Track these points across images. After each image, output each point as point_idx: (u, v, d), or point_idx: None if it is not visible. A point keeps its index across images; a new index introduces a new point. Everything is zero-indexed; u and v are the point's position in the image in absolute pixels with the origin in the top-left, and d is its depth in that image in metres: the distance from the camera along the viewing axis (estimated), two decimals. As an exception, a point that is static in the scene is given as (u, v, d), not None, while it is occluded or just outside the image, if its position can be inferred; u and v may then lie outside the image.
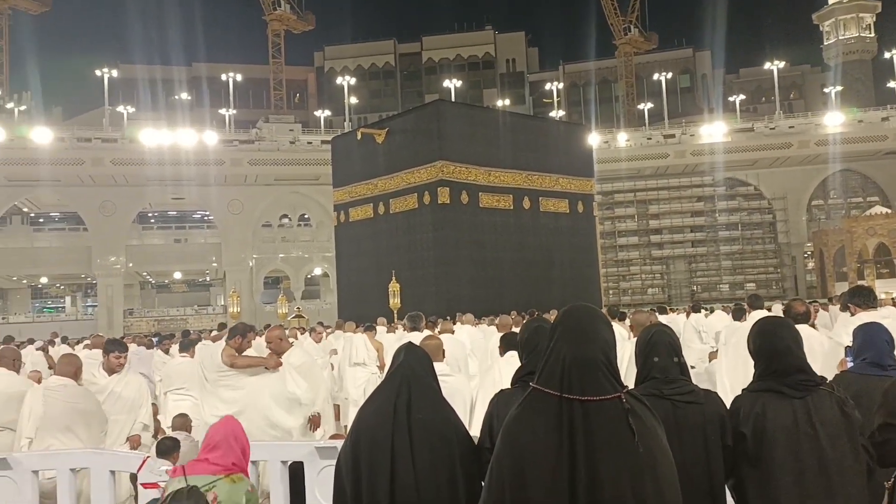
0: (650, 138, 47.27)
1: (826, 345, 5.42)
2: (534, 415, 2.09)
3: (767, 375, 2.76)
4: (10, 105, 45.05)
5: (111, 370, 5.94)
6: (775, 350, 2.77)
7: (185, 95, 51.94)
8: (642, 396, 2.20)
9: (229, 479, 3.06)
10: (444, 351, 5.19)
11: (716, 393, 2.84)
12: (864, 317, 4.78)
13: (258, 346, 7.47)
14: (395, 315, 21.51)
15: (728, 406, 2.80)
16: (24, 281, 49.58)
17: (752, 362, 2.90)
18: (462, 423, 2.96)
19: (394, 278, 23.50)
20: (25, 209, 46.65)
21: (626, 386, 2.15)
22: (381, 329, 12.48)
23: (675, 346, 2.83)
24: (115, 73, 46.67)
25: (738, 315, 8.25)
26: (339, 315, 27.08)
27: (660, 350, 2.79)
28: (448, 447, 2.75)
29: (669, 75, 53.55)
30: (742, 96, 52.26)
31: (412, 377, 2.88)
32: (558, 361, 2.10)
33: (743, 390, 2.84)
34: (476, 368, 8.44)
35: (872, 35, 56.26)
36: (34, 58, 50.40)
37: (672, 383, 2.72)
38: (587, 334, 2.13)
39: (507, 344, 4.98)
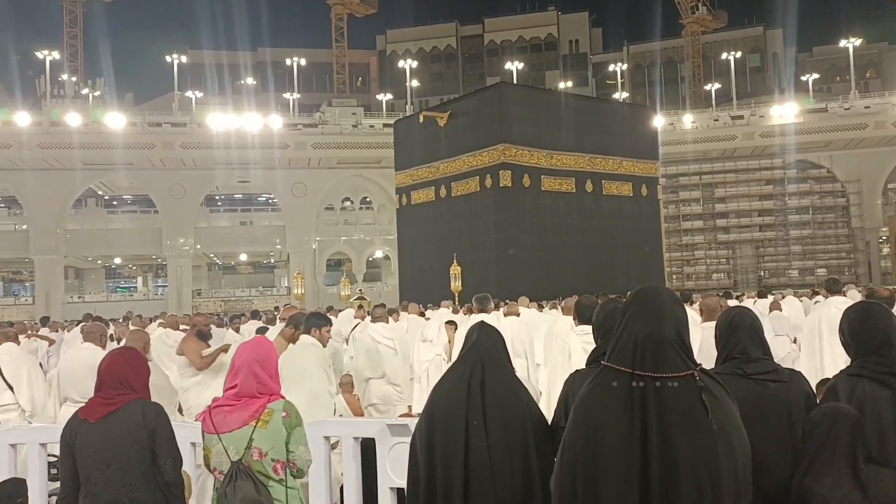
0: (717, 120, 46.05)
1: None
2: (605, 392, 2.09)
3: (869, 361, 2.66)
4: (85, 91, 46.58)
5: (324, 343, 5.78)
6: (876, 336, 2.67)
7: (250, 80, 52.86)
8: (717, 375, 2.18)
9: (263, 423, 3.03)
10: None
11: (800, 372, 2.77)
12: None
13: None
14: (457, 298, 21.60)
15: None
16: (99, 261, 51.38)
17: (832, 348, 2.83)
18: (534, 401, 2.97)
19: (455, 261, 23.58)
20: (100, 192, 48.32)
21: (699, 364, 2.13)
22: (444, 311, 12.54)
23: (757, 327, 2.78)
24: (183, 58, 47.80)
25: (834, 288, 7.89)
26: (400, 297, 27.32)
27: (741, 330, 2.75)
28: (522, 426, 2.76)
29: (738, 55, 51.96)
30: (815, 75, 50.40)
31: (486, 356, 2.90)
32: (630, 339, 2.10)
33: (840, 372, 2.75)
34: (541, 355, 8.37)
35: (956, 10, 53.46)
36: (107, 44, 52.01)
37: (754, 362, 2.68)
38: (659, 312, 2.12)
39: (580, 315, 4.67)
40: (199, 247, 45.43)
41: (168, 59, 46.80)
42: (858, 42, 48.60)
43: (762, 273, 46.59)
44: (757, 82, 57.67)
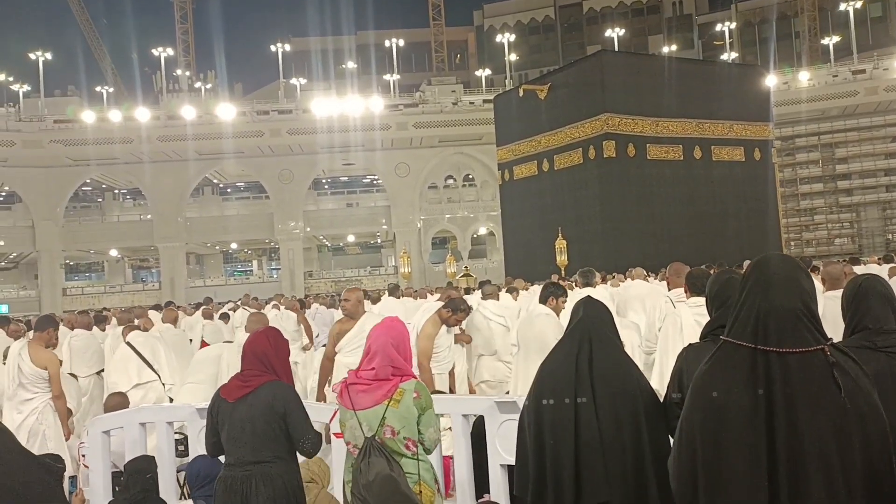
0: (836, 76, 43.32)
1: None
2: (726, 368, 1.99)
3: None
4: (197, 84, 48.67)
5: (557, 312, 6.03)
6: None
7: (351, 64, 53.74)
8: (850, 349, 2.03)
9: (395, 403, 3.12)
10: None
11: None
12: None
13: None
14: (563, 272, 21.39)
15: None
16: (217, 247, 53.81)
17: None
18: (644, 376, 2.89)
19: (560, 235, 23.32)
20: (215, 181, 50.49)
21: (831, 338, 1.99)
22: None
23: (889, 295, 2.58)
24: (287, 46, 49.09)
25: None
26: (506, 273, 27.30)
27: (872, 299, 2.56)
28: (632, 402, 2.70)
29: (859, 4, 48.56)
30: (946, 21, 46.62)
31: (593, 331, 2.85)
32: (752, 312, 1.98)
33: None
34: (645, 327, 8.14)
35: None
36: (216, 38, 54.19)
37: (887, 334, 2.49)
38: (785, 283, 1.99)
39: (692, 286, 4.47)
40: (308, 229, 46.77)
41: (273, 48, 48.21)
42: None
43: (890, 237, 43.72)
44: (879, 33, 53.76)
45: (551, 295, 5.83)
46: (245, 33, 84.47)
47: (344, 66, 53.50)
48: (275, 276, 49.75)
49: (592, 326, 2.86)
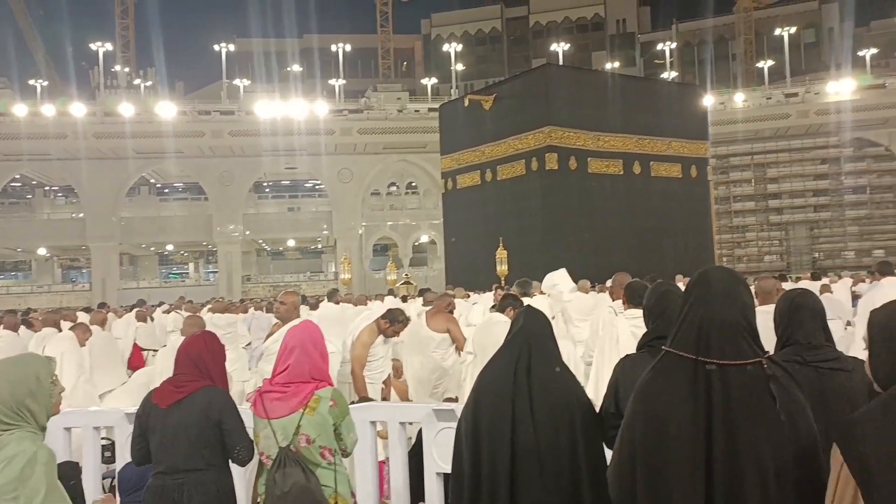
0: (770, 98, 44.85)
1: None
2: (667, 379, 2.01)
3: None
4: (137, 81, 47.51)
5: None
6: None
7: (296, 67, 53.21)
8: (784, 363, 2.08)
9: (310, 410, 3.06)
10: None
11: (864, 360, 2.63)
12: None
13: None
14: (503, 282, 21.52)
15: None
16: (152, 248, 52.52)
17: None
18: (581, 386, 2.91)
19: (501, 245, 23.47)
20: (152, 180, 49.32)
21: (768, 351, 2.04)
22: (490, 294, 12.48)
23: (820, 311, 2.65)
24: (231, 47, 48.36)
25: (886, 271, 7.68)
26: (446, 282, 27.33)
27: (804, 314, 2.62)
28: (569, 411, 2.71)
29: (793, 30, 50.41)
30: (873, 50, 48.59)
31: (532, 341, 2.85)
32: (694, 324, 2.01)
33: None
34: (584, 335, 8.24)
35: None
36: (158, 35, 53.04)
37: (816, 349, 2.55)
38: (727, 296, 2.02)
39: (630, 298, 4.48)
40: (247, 233, 46.09)
41: (216, 47, 47.43)
42: (919, 14, 46.77)
43: (817, 255, 45.39)
44: (812, 58, 55.91)
45: (510, 306, 5.85)
46: (188, 32, 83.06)
47: (289, 68, 52.95)
48: (212, 280, 48.78)
49: (532, 336, 2.86)
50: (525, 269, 20.51)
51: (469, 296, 13.18)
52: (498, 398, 2.76)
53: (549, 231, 25.27)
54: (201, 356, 3.35)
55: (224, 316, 9.43)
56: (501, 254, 23.39)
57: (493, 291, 12.41)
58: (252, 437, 3.26)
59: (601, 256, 24.42)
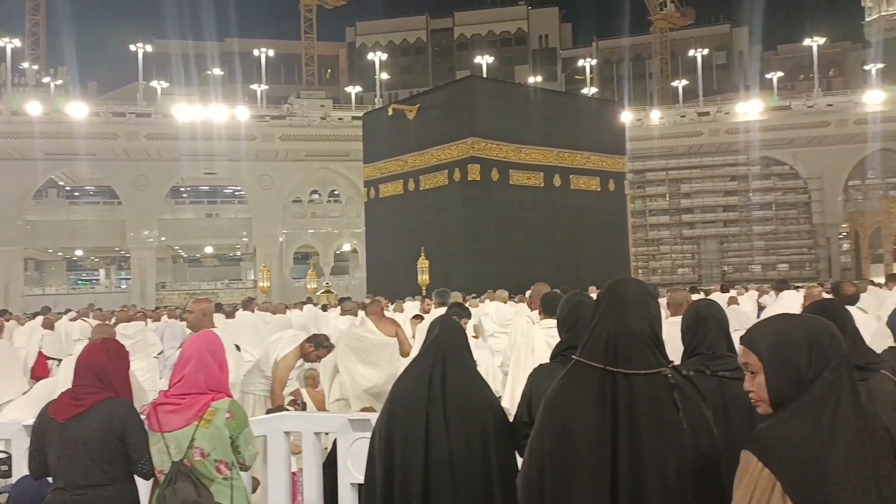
0: (684, 116, 46.53)
1: (872, 328, 5.29)
2: (576, 388, 2.05)
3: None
4: (46, 79, 45.58)
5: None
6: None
7: (217, 71, 52.12)
8: (688, 373, 2.14)
9: (205, 423, 2.97)
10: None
11: None
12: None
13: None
14: (424, 292, 21.55)
15: None
16: (60, 253, 50.45)
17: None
18: (495, 396, 2.94)
19: (423, 255, 23.51)
20: (62, 183, 47.39)
21: (672, 361, 2.10)
22: (409, 304, 12.49)
23: (724, 322, 2.75)
24: (149, 48, 46.99)
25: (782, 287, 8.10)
26: (367, 291, 27.19)
27: (708, 325, 2.72)
28: (482, 420, 2.73)
29: (706, 52, 52.48)
30: (780, 73, 51.07)
31: (447, 350, 2.86)
32: (603, 334, 2.06)
33: None
34: (503, 344, 8.34)
35: (917, 11, 54.60)
36: (70, 33, 50.96)
37: (719, 359, 2.65)
38: (634, 307, 2.08)
39: (546, 308, 4.56)
40: (163, 239, 44.82)
41: (133, 48, 45.98)
42: (822, 41, 49.40)
43: (726, 268, 47.21)
44: (723, 79, 58.32)
45: (455, 315, 5.89)
46: (102, 30, 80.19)
47: (209, 72, 51.80)
48: (124, 287, 47.16)
49: (447, 345, 2.87)
50: (446, 279, 20.62)
51: (390, 305, 13.13)
52: (412, 406, 2.76)
53: (471, 241, 25.48)
54: (103, 366, 3.19)
55: (132, 324, 9.11)
56: (423, 263, 23.41)
57: (422, 301, 12.41)
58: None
59: (521, 267, 24.75)
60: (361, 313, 8.32)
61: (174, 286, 47.58)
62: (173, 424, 2.97)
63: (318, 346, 6.40)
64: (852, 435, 1.75)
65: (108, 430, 3.06)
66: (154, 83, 44.46)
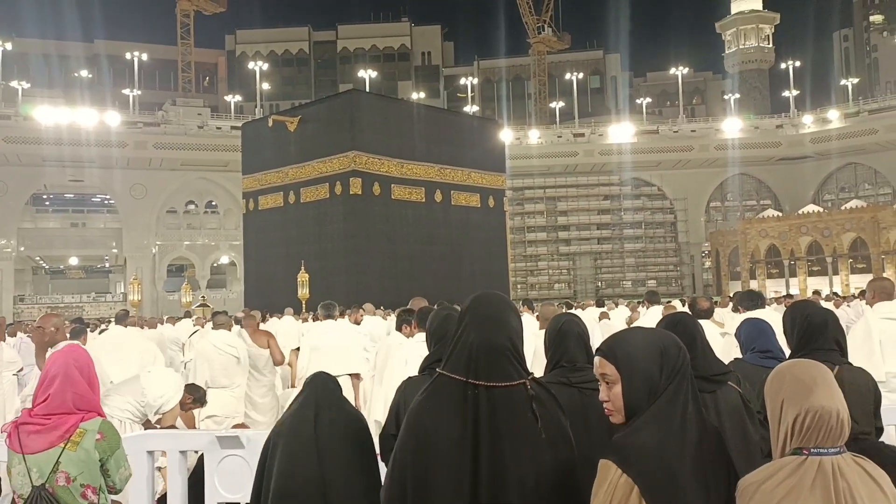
0: (560, 136, 48.25)
1: (721, 341, 5.67)
2: (439, 400, 2.08)
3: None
4: None
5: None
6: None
7: (84, 73, 49.56)
8: (548, 384, 2.23)
9: (72, 445, 2.79)
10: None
11: None
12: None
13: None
14: (304, 305, 21.23)
15: None
16: None
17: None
18: (357, 409, 2.96)
19: (303, 268, 23.17)
20: None
21: (532, 373, 2.18)
22: (288, 318, 12.31)
23: (584, 335, 2.87)
24: (8, 45, 44.16)
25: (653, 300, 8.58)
26: (245, 304, 26.50)
27: (569, 339, 2.83)
28: (354, 434, 2.74)
29: (581, 75, 54.73)
30: (648, 99, 53.96)
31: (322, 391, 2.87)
32: (465, 347, 2.11)
33: None
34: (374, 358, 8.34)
35: (770, 45, 59.10)
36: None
37: (579, 371, 2.76)
38: (495, 321, 2.14)
39: (420, 322, 4.62)
40: (22, 249, 42.06)
41: (-10, 44, 43.10)
42: (686, 70, 52.57)
43: (599, 283, 49.16)
44: (597, 102, 60.93)
45: (405, 322, 5.87)
46: (-43, 25, 74.52)
47: (76, 74, 49.18)
48: (-24, 300, 43.81)
49: (323, 387, 2.90)
50: (327, 293, 20.36)
51: (269, 318, 12.86)
52: (297, 424, 2.76)
53: (352, 255, 25.36)
54: None
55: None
56: (303, 277, 23.07)
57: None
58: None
59: (402, 281, 24.84)
60: (236, 327, 8.10)
61: (34, 299, 44.62)
62: (36, 446, 2.78)
63: (196, 399, 6.23)
64: (695, 443, 1.88)
65: None
66: (14, 83, 41.76)
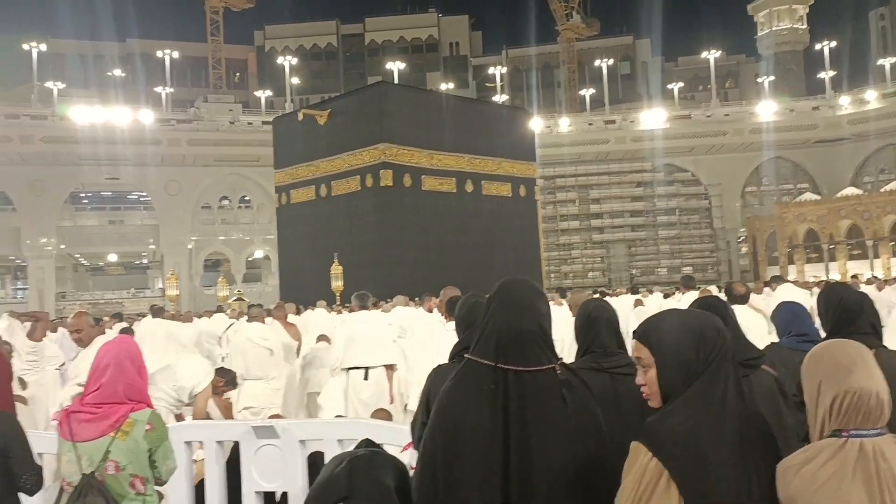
0: (591, 124, 47.80)
1: (762, 325, 5.58)
2: (467, 385, 2.08)
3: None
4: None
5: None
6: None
7: (118, 72, 50.25)
8: (578, 369, 2.22)
9: (123, 434, 2.83)
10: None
11: None
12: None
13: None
14: (338, 298, 21.37)
15: None
16: (-50, 263, 47.63)
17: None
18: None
19: (336, 261, 23.30)
20: (-50, 188, 44.71)
21: (561, 358, 2.16)
22: (320, 310, 12.41)
23: (614, 321, 2.86)
24: (43, 47, 44.94)
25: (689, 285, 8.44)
26: (280, 298, 26.76)
27: (599, 324, 2.82)
28: None
29: (610, 62, 54.12)
30: (680, 84, 53.15)
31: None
32: (494, 332, 2.10)
33: None
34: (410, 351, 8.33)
35: (805, 26, 57.87)
36: (-43, 30, 48.14)
37: (611, 356, 2.75)
38: (523, 305, 2.13)
39: (450, 310, 4.68)
40: (63, 247, 42.89)
41: (26, 47, 43.86)
42: (719, 53, 51.66)
43: (634, 271, 48.72)
44: (627, 89, 60.22)
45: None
46: (-6, 28, 76.01)
47: (109, 73, 49.88)
48: (20, 297, 44.83)
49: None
50: (360, 285, 20.34)
51: (302, 311, 12.96)
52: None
53: (384, 247, 25.43)
54: None
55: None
56: (336, 269, 23.20)
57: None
58: (40, 465, 3.00)
59: (434, 272, 24.80)
60: (269, 319, 8.23)
61: (76, 296, 45.54)
62: (87, 434, 2.82)
63: (228, 382, 6.35)
64: (734, 428, 1.85)
65: None
66: (49, 84, 42.51)
